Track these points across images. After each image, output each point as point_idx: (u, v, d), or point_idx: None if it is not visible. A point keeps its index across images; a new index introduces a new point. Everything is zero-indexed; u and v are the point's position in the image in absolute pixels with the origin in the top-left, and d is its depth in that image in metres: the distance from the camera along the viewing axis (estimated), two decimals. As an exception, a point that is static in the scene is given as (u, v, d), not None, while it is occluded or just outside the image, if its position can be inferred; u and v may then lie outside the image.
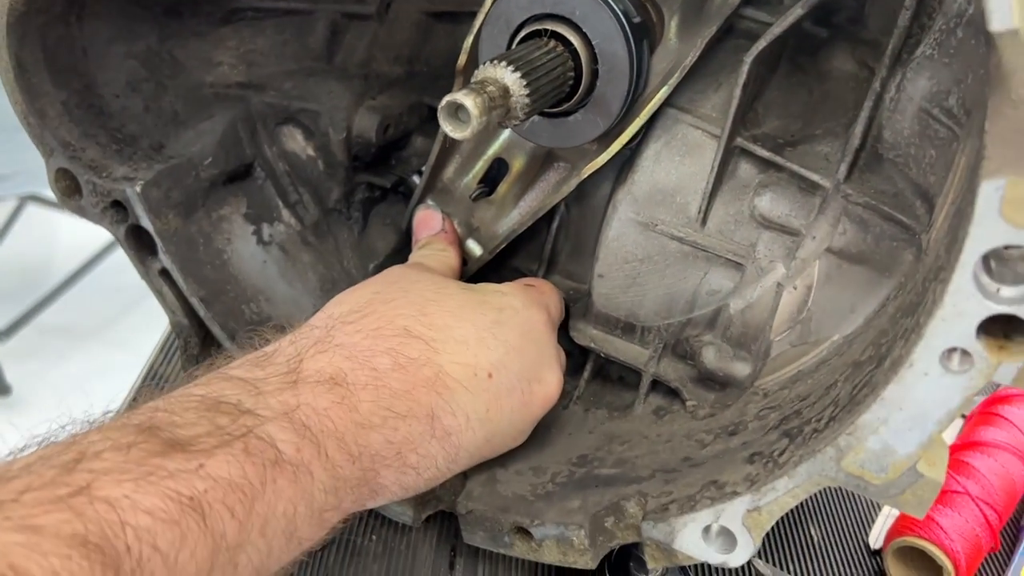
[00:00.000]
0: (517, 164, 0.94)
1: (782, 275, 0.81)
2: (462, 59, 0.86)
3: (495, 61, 0.72)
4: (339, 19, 0.97)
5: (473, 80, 0.72)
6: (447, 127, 0.69)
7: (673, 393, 0.89)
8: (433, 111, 1.03)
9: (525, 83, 0.72)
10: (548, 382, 0.81)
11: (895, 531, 0.88)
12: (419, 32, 1.03)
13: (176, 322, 0.90)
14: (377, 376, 0.67)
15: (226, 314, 0.89)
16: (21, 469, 0.50)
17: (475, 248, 0.95)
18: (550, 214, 0.96)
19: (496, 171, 0.96)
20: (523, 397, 0.78)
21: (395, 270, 0.85)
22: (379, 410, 0.66)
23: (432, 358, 0.71)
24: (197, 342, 0.91)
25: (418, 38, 1.03)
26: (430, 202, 0.96)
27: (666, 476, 0.78)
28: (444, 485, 0.85)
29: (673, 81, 0.79)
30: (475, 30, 0.84)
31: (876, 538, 0.93)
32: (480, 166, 0.96)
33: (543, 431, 0.91)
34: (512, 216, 0.95)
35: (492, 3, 0.82)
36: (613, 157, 0.83)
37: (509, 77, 0.71)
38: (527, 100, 0.72)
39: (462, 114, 0.68)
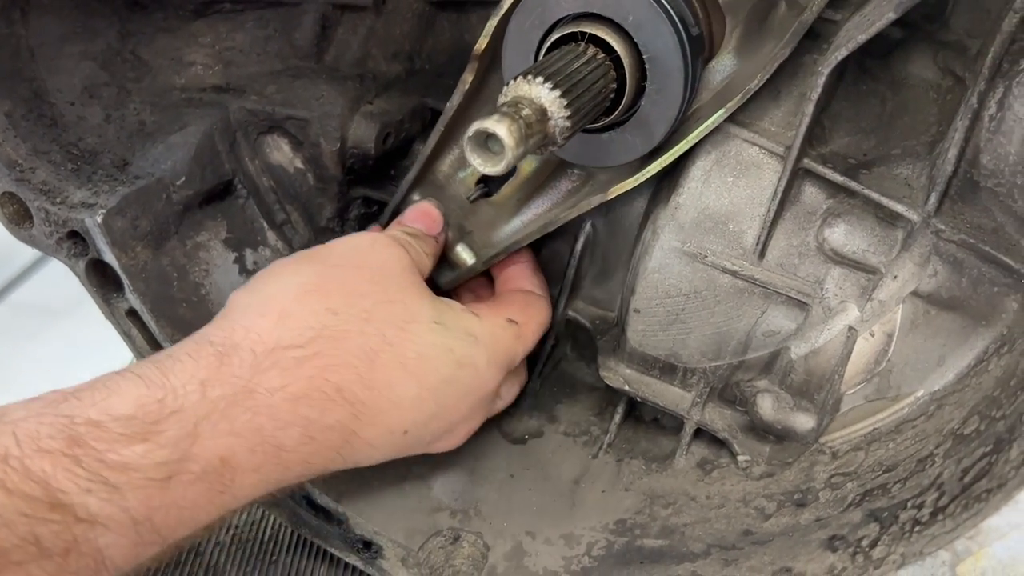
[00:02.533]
0: (526, 167, 0.81)
1: (855, 318, 0.70)
2: (481, 43, 0.73)
3: (529, 76, 0.59)
4: (330, 11, 0.84)
5: (503, 100, 0.59)
6: (476, 160, 0.57)
7: (719, 442, 0.78)
8: (437, 115, 0.91)
9: (565, 103, 0.60)
10: (456, 435, 0.74)
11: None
12: (420, 24, 0.90)
13: (148, 369, 0.78)
14: (276, 455, 0.59)
15: (206, 360, 0.77)
16: None
17: (466, 256, 0.83)
18: (575, 233, 0.85)
19: None
20: (428, 446, 0.72)
21: (366, 255, 0.71)
22: (261, 483, 0.60)
23: (348, 425, 0.63)
24: (173, 392, 0.78)
25: (419, 31, 0.90)
26: (417, 198, 0.83)
27: (724, 555, 0.68)
28: (463, 556, 0.74)
29: (732, 105, 0.68)
30: (502, 11, 0.71)
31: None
32: None
33: (570, 486, 0.81)
34: (513, 224, 0.82)
35: None
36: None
37: (547, 96, 0.59)
38: (567, 124, 0.60)
39: (494, 144, 0.56)
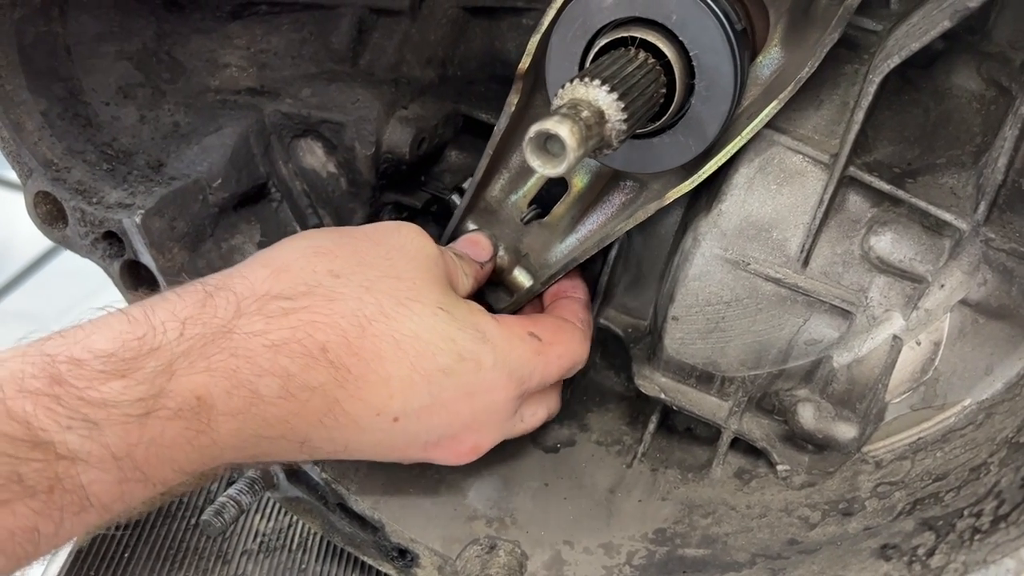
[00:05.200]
0: (578, 183, 0.81)
1: (900, 327, 0.70)
2: (525, 62, 0.73)
3: (586, 79, 0.59)
4: (367, 15, 0.84)
5: (561, 102, 0.59)
6: (535, 162, 0.57)
7: (756, 452, 0.78)
8: (470, 121, 0.91)
9: (622, 105, 0.59)
10: (462, 444, 0.69)
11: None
12: (453, 30, 0.90)
13: (181, 373, 0.77)
14: (254, 403, 0.57)
15: (241, 364, 0.75)
16: None
17: (524, 279, 0.83)
18: (605, 241, 0.84)
19: (549, 190, 0.83)
20: (424, 448, 0.68)
21: (395, 235, 0.70)
22: (242, 436, 0.58)
23: (331, 392, 0.60)
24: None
25: (452, 37, 0.90)
26: (472, 229, 0.83)
27: (771, 564, 0.67)
28: (499, 565, 0.73)
29: (785, 96, 0.67)
30: (543, 28, 0.71)
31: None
32: (532, 183, 0.82)
33: (606, 495, 0.80)
34: (569, 243, 0.82)
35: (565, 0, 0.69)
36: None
37: (604, 99, 0.59)
38: (624, 126, 0.60)
39: (553, 146, 0.56)
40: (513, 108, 0.75)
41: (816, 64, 0.66)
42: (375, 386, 0.62)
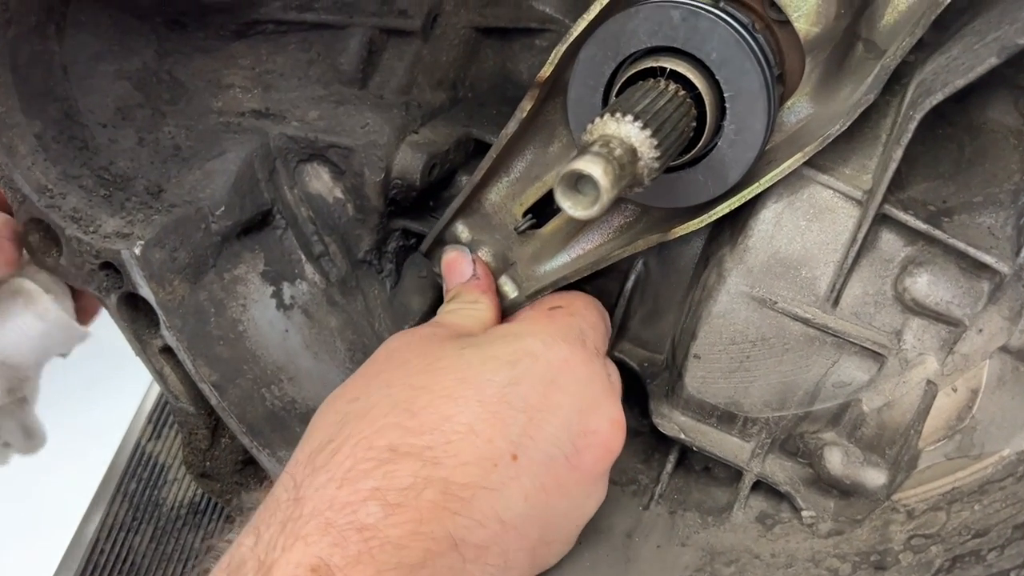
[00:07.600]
0: None
1: (934, 371, 0.68)
2: (547, 69, 0.69)
3: (618, 114, 0.56)
4: (377, 36, 0.80)
5: (591, 138, 0.56)
6: (566, 203, 0.53)
7: (778, 495, 0.75)
8: (481, 145, 0.87)
9: (655, 143, 0.56)
10: (598, 429, 0.65)
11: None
12: (465, 51, 0.86)
13: (180, 409, 0.74)
14: (369, 536, 0.53)
15: (243, 402, 0.72)
16: None
17: (509, 288, 0.79)
18: (625, 271, 0.81)
19: (548, 201, 0.79)
20: (569, 462, 0.63)
21: (385, 348, 0.69)
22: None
23: (432, 474, 0.56)
24: (207, 434, 0.74)
25: (464, 58, 0.87)
26: (461, 230, 0.79)
27: (800, 620, 0.64)
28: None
29: (810, 150, 0.65)
30: (571, 40, 0.67)
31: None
32: (532, 192, 0.78)
33: (623, 540, 0.77)
34: (558, 259, 0.78)
35: (598, 13, 0.65)
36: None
37: (636, 135, 0.56)
38: (656, 164, 0.57)
39: (585, 187, 0.53)
40: (525, 114, 0.71)
41: (848, 123, 0.63)
42: (466, 442, 0.58)
